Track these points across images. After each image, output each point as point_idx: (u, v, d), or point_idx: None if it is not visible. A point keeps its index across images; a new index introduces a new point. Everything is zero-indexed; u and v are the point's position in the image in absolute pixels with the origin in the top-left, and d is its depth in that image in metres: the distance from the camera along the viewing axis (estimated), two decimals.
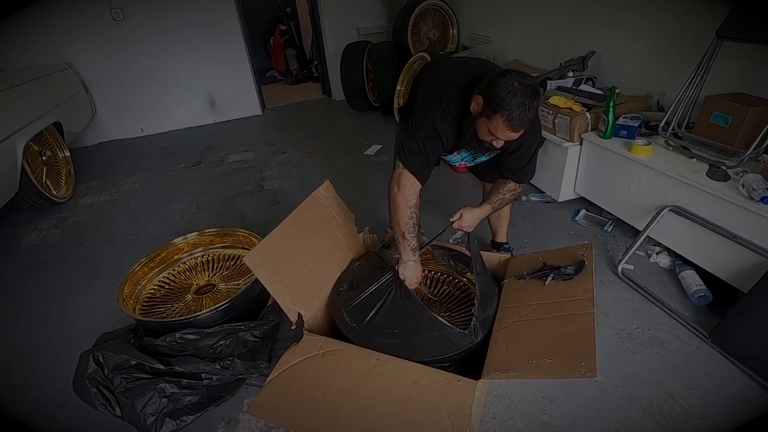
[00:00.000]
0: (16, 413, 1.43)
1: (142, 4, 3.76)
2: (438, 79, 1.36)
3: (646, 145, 1.81)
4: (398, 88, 3.57)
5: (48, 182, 2.78)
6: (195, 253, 1.91)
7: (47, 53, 3.56)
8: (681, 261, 1.79)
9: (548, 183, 2.36)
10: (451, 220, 1.41)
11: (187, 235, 1.89)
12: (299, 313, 1.27)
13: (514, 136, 1.18)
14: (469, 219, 1.41)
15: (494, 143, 1.22)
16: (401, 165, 1.30)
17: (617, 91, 1.92)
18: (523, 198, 2.45)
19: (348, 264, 1.56)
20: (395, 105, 3.64)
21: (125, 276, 1.66)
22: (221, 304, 1.48)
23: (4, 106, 2.40)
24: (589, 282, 1.26)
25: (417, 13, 3.68)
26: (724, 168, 1.58)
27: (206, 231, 1.92)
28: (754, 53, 1.73)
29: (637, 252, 1.85)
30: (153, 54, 3.97)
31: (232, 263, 1.86)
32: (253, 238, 1.84)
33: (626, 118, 1.99)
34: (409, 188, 1.29)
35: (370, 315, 1.31)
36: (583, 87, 2.35)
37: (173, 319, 1.54)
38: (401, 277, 1.34)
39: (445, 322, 1.23)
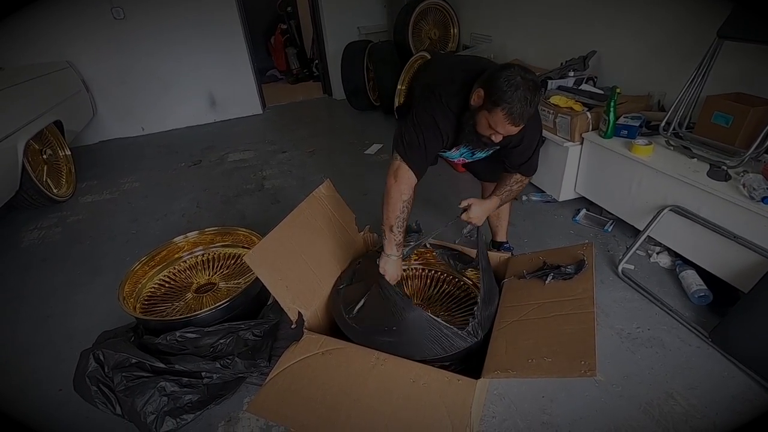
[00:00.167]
0: (17, 411, 1.43)
1: (143, 2, 3.76)
2: (437, 77, 1.36)
3: (646, 144, 1.81)
4: (399, 87, 3.57)
5: (48, 181, 2.78)
6: (195, 251, 1.91)
7: (48, 52, 3.56)
8: (681, 261, 1.79)
9: (549, 182, 2.36)
10: (461, 206, 1.42)
11: (188, 234, 1.90)
12: (299, 312, 1.27)
13: (514, 130, 1.17)
14: (477, 211, 1.42)
15: (493, 137, 1.22)
16: (399, 158, 1.29)
17: (618, 90, 1.92)
18: (524, 197, 2.45)
19: (348, 263, 1.56)
20: (396, 104, 3.64)
21: (126, 274, 1.66)
22: (221, 302, 1.48)
23: (4, 105, 2.40)
24: (589, 281, 1.26)
25: (418, 12, 3.68)
26: (725, 168, 1.58)
27: (207, 230, 1.92)
28: (755, 53, 1.72)
29: (637, 252, 1.85)
30: (153, 53, 3.97)
31: (232, 262, 1.87)
32: (253, 237, 1.84)
33: (627, 117, 1.99)
34: (405, 182, 1.29)
35: (356, 309, 1.31)
36: (584, 86, 2.35)
37: (173, 317, 1.54)
38: (381, 271, 1.32)
39: (434, 317, 1.20)
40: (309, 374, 1.13)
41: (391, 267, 1.33)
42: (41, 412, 1.42)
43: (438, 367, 1.13)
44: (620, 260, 1.83)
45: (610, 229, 2.12)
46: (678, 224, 1.71)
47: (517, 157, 1.42)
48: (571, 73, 2.45)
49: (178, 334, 1.39)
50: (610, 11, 2.38)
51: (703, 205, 1.61)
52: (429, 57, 3.24)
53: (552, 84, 2.41)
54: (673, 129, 1.85)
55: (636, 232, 1.93)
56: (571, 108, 2.11)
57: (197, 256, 1.90)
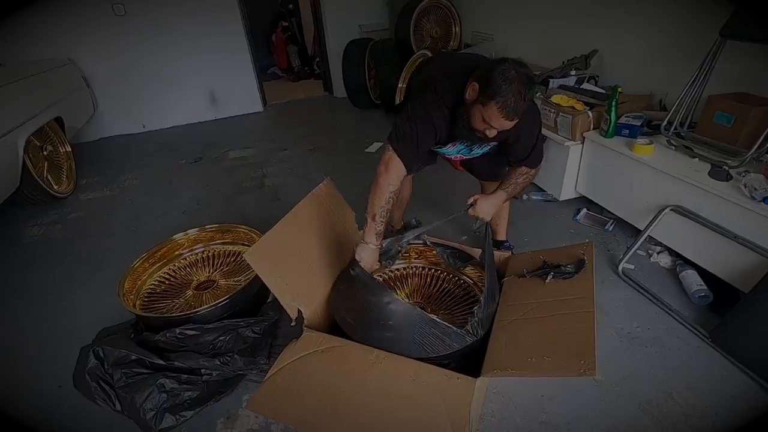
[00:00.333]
0: (16, 408, 1.43)
1: None
2: (433, 73, 1.37)
3: (648, 144, 1.81)
4: (400, 85, 3.57)
5: (49, 177, 2.78)
6: (195, 249, 1.91)
7: (49, 48, 3.55)
8: (682, 261, 1.78)
9: (549, 182, 2.35)
10: (468, 202, 1.43)
11: (188, 231, 1.90)
12: (299, 310, 1.27)
13: (508, 124, 1.17)
14: (484, 206, 1.42)
15: (487, 132, 1.21)
16: (391, 149, 1.30)
17: (620, 89, 1.91)
18: (524, 197, 2.44)
19: (348, 261, 1.56)
20: (397, 102, 3.64)
21: (126, 271, 1.66)
22: (221, 300, 1.48)
23: (5, 101, 2.40)
24: (589, 281, 1.26)
25: (419, 10, 3.67)
26: (726, 168, 1.58)
27: (207, 227, 1.92)
28: (757, 53, 1.72)
29: (637, 251, 1.85)
30: (154, 50, 3.96)
31: (232, 259, 1.87)
32: (253, 235, 1.84)
33: (628, 117, 1.98)
34: (394, 173, 1.29)
35: (341, 299, 1.31)
36: (586, 86, 2.34)
37: (173, 314, 1.54)
38: (357, 258, 1.31)
39: (435, 316, 1.19)
40: (308, 372, 1.13)
41: (367, 255, 1.32)
42: (41, 407, 1.42)
43: (437, 366, 1.13)
44: (621, 260, 1.83)
45: (610, 229, 2.12)
46: (679, 224, 1.71)
47: (519, 152, 1.42)
48: (573, 72, 2.45)
49: (177, 331, 1.39)
50: (612, 10, 2.37)
51: (703, 205, 1.61)
52: (430, 55, 3.24)
53: (553, 83, 2.41)
54: (675, 128, 1.84)
55: (636, 232, 1.92)
56: (573, 107, 2.10)
57: (197, 254, 1.90)
